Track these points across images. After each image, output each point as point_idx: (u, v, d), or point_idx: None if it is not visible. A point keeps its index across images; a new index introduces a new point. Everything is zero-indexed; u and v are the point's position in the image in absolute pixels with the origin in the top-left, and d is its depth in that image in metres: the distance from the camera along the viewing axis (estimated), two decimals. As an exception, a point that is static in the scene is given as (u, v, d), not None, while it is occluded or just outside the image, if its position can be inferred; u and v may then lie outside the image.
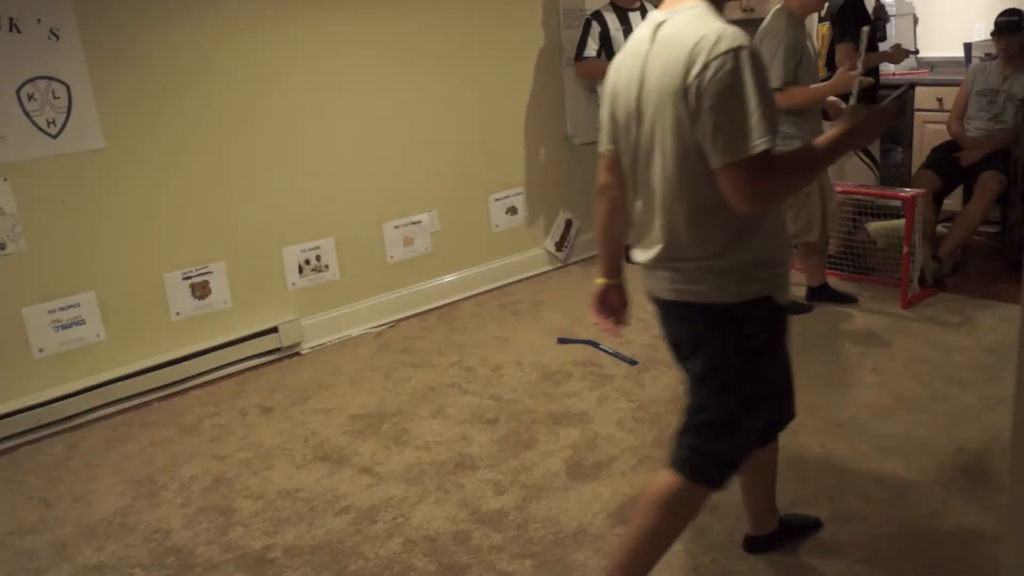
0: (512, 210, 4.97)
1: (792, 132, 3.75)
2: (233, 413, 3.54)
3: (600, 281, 2.21)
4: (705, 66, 1.68)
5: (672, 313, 1.98)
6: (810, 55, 3.78)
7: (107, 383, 3.61)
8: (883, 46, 5.03)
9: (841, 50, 4.42)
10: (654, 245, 1.92)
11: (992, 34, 4.51)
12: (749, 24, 5.87)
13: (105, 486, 3.04)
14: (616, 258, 2.18)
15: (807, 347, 3.71)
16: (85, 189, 3.52)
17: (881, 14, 5.19)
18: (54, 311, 3.51)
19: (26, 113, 3.34)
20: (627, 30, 4.59)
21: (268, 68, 3.92)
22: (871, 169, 4.66)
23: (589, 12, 4.76)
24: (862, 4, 4.62)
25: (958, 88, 4.74)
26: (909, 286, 4.10)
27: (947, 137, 4.71)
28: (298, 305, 4.18)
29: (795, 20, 3.74)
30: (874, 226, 4.69)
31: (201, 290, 3.88)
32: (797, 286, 4.51)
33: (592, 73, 4.68)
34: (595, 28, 4.64)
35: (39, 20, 3.32)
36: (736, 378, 1.91)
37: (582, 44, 4.69)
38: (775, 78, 3.68)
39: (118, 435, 3.43)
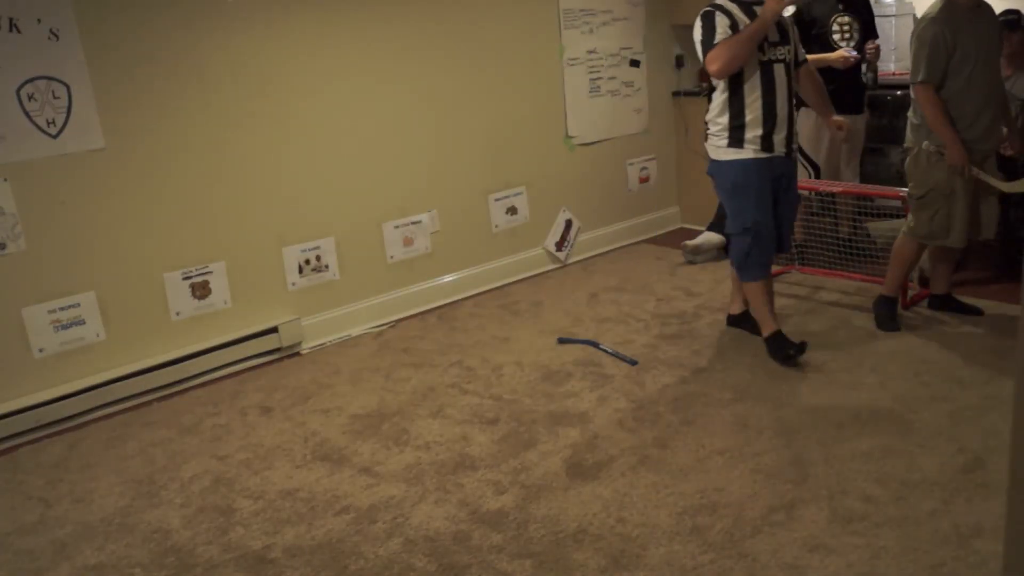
0: (512, 210, 4.97)
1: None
2: (233, 413, 3.54)
3: None
4: None
5: None
6: (981, 43, 3.40)
7: (107, 383, 3.61)
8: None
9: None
10: None
11: None
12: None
13: (105, 486, 3.04)
14: None
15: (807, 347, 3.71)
16: (85, 189, 3.52)
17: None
18: (54, 311, 3.51)
19: (26, 113, 3.34)
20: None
21: (268, 68, 3.92)
22: (807, 169, 4.62)
23: (708, 5, 3.57)
24: None
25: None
26: (909, 286, 4.09)
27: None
28: (298, 305, 4.18)
29: (952, 7, 3.38)
30: (874, 225, 4.70)
31: (201, 290, 3.88)
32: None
33: (734, 57, 3.44)
34: (722, 19, 3.49)
35: (39, 20, 3.32)
36: None
37: (711, 31, 3.50)
38: (918, 72, 3.43)
39: (118, 435, 3.43)
